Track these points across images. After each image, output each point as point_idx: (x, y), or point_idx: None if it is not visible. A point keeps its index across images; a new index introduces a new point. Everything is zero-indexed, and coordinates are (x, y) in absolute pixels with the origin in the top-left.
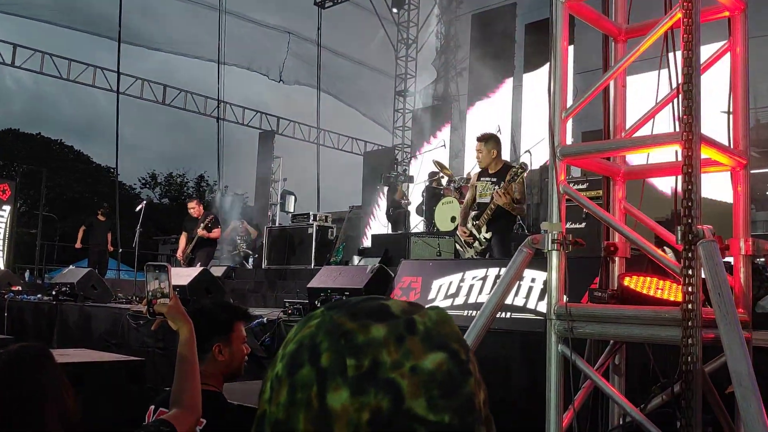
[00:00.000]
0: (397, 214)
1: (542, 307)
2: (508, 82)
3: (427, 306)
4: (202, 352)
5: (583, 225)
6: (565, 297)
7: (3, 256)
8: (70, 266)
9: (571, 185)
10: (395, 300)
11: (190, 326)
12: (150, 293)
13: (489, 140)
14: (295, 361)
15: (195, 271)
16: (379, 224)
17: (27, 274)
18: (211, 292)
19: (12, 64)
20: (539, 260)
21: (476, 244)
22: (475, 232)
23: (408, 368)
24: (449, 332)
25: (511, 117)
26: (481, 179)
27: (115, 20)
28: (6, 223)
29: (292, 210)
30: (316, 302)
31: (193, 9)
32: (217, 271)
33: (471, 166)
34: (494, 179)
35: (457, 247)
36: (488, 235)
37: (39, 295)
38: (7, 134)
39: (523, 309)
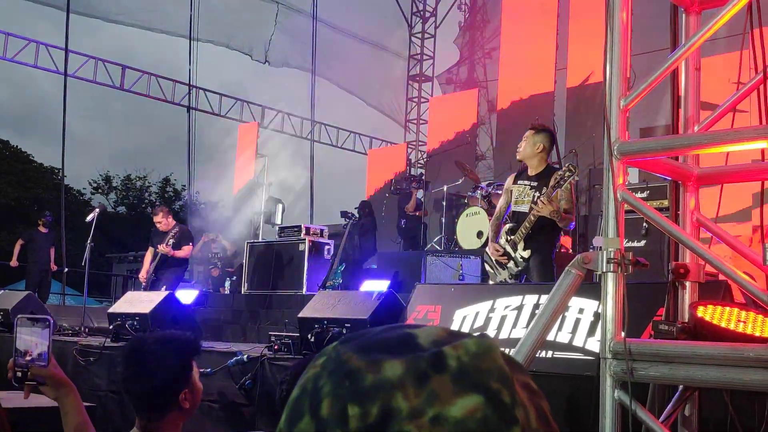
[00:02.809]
0: (410, 227)
1: (592, 344)
2: (549, 65)
3: (470, 335)
4: (163, 406)
5: (642, 243)
6: (623, 330)
7: None
8: (3, 289)
9: None
10: (429, 327)
11: (74, 393)
12: (21, 353)
13: (541, 132)
14: (295, 411)
15: (158, 296)
16: (388, 240)
17: None
18: (179, 322)
19: None
20: (589, 287)
21: (511, 264)
22: (509, 249)
23: (429, 417)
24: (490, 368)
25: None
26: (519, 182)
27: None
28: None
29: (279, 222)
30: (310, 336)
31: None
32: (186, 297)
33: (502, 168)
34: (534, 183)
35: (487, 268)
36: (526, 254)
37: None
38: None
39: (568, 347)
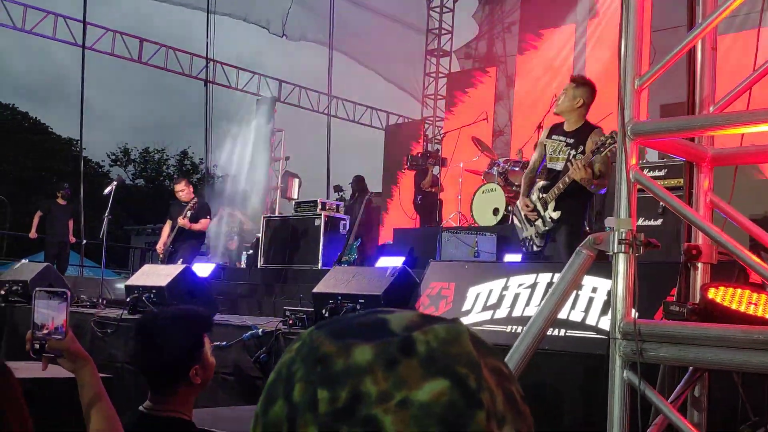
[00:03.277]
0: (427, 204)
1: (605, 323)
2: (570, 40)
3: (441, 320)
4: (174, 381)
5: (659, 222)
6: (634, 311)
7: None
8: (23, 260)
9: (646, 171)
10: (402, 312)
11: (91, 366)
12: (39, 326)
13: (582, 85)
14: (270, 395)
15: (175, 269)
16: (403, 216)
17: None
18: (195, 295)
19: None
20: (603, 265)
21: (539, 222)
22: (540, 207)
23: (397, 401)
24: (458, 353)
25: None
26: (554, 137)
27: None
28: None
29: (296, 196)
30: (324, 311)
31: None
32: (203, 270)
33: (519, 143)
34: (571, 140)
35: (515, 221)
36: (555, 215)
37: None
38: None
39: (581, 326)
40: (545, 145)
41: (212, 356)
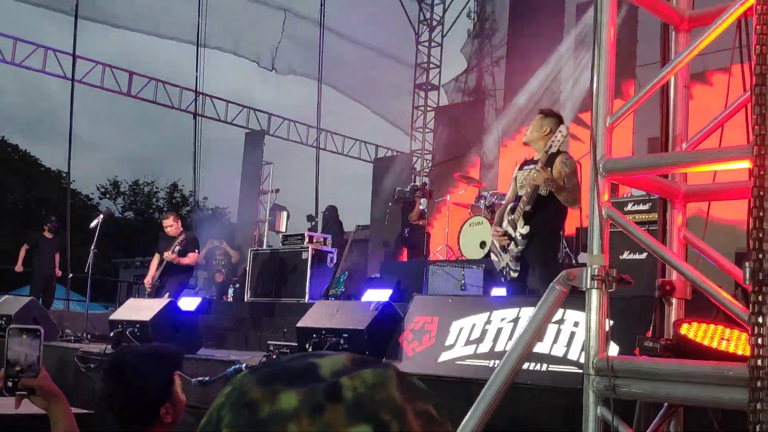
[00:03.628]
0: (414, 237)
1: None
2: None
3: (371, 365)
4: (146, 421)
5: (644, 256)
6: (614, 347)
7: None
8: (6, 294)
9: (630, 205)
10: (335, 357)
11: (63, 403)
12: (12, 363)
13: (549, 116)
14: None
15: (159, 303)
16: (390, 249)
17: None
18: (180, 330)
19: None
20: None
21: (512, 246)
22: (510, 230)
23: None
24: (383, 399)
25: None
26: (524, 168)
27: None
28: None
29: (283, 229)
30: (307, 345)
31: None
32: (189, 304)
33: (507, 178)
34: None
35: (492, 257)
36: (525, 230)
37: None
38: None
39: (563, 360)
40: (516, 178)
41: (182, 394)
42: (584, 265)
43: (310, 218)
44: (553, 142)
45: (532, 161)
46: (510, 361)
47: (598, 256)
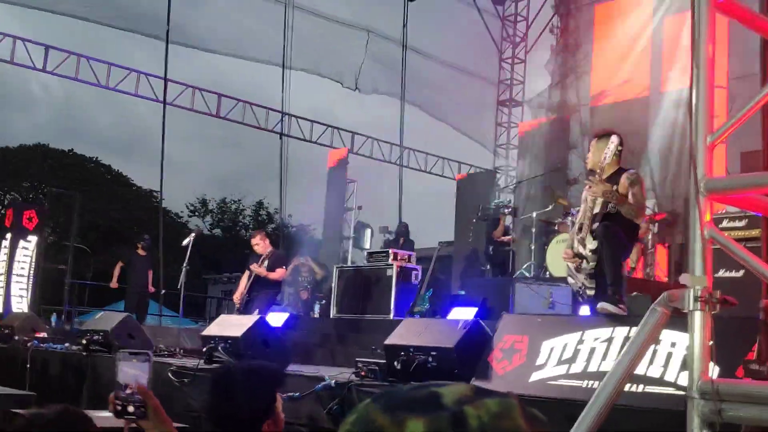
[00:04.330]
0: (498, 254)
1: (684, 379)
2: (644, 85)
3: (493, 394)
4: None
5: (741, 273)
6: (712, 369)
7: (27, 296)
8: (103, 310)
9: (725, 222)
10: (456, 386)
11: (170, 427)
12: (122, 386)
13: (603, 137)
14: None
15: (249, 319)
16: (477, 266)
17: (54, 318)
18: (269, 345)
19: (44, 69)
20: (682, 320)
21: (583, 264)
22: (580, 249)
23: None
24: (509, 428)
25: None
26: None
27: (160, 16)
28: (31, 257)
29: (368, 246)
30: (396, 363)
31: (252, 1)
32: (277, 320)
33: None
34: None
35: (569, 279)
36: (593, 245)
37: (67, 344)
38: (35, 150)
39: (659, 381)
40: (587, 199)
41: (282, 413)
42: (685, 286)
43: (383, 230)
44: (605, 155)
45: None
46: (611, 382)
47: (701, 277)
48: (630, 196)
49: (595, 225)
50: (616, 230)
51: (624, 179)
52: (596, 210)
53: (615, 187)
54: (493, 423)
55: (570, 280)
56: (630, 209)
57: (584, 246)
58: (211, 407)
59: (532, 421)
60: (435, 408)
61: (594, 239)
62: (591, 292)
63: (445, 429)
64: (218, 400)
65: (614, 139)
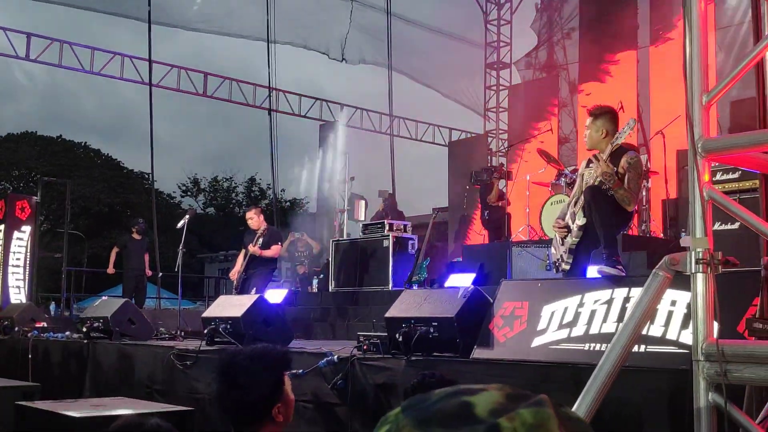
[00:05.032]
0: (494, 218)
1: (686, 337)
2: (631, 40)
3: (528, 401)
4: (258, 420)
5: (736, 226)
6: (716, 331)
7: (25, 287)
8: (102, 296)
9: (719, 175)
10: (488, 394)
11: None
12: None
13: (600, 116)
14: None
15: (249, 299)
16: (472, 231)
17: (52, 306)
18: (270, 323)
19: (27, 57)
20: (681, 278)
21: (568, 237)
22: (570, 222)
23: None
24: None
25: (637, 88)
26: (590, 166)
27: None
28: (26, 247)
29: (362, 218)
30: (397, 335)
31: None
32: (276, 296)
33: (586, 152)
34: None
35: (552, 250)
36: (582, 222)
37: (67, 332)
38: (23, 138)
39: (661, 341)
40: (583, 176)
41: (291, 394)
42: (686, 248)
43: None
44: (619, 135)
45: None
46: (617, 347)
47: (702, 239)
48: (626, 180)
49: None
50: (604, 194)
51: (624, 161)
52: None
53: (615, 169)
54: None
55: (552, 249)
56: (624, 195)
57: (573, 220)
58: (220, 394)
59: (566, 423)
60: (468, 421)
61: (584, 216)
62: (566, 267)
63: None
64: (226, 387)
65: (631, 122)
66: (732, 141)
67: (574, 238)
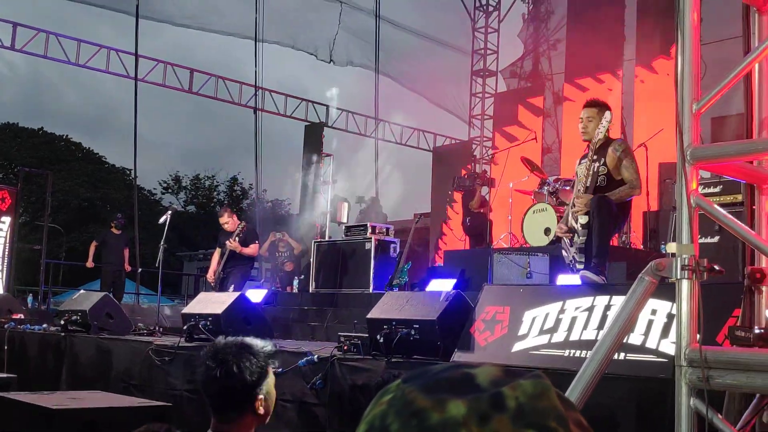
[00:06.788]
0: (475, 225)
1: (665, 346)
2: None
3: (525, 375)
4: (241, 408)
5: (716, 239)
6: (699, 336)
7: (2, 278)
8: (80, 290)
9: (700, 188)
10: (487, 367)
11: None
12: None
13: (603, 107)
14: None
15: (229, 296)
16: (453, 237)
17: (30, 299)
18: (250, 322)
19: (12, 47)
20: (662, 288)
21: (575, 238)
22: (573, 223)
23: None
24: (547, 407)
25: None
26: (583, 161)
27: None
28: (5, 237)
29: (345, 220)
30: (378, 337)
31: None
32: (256, 296)
33: (569, 162)
34: (595, 156)
35: (563, 253)
36: (584, 220)
37: (45, 325)
38: (4, 130)
39: (641, 349)
40: (577, 173)
41: (274, 389)
42: (673, 254)
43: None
44: (598, 131)
45: (590, 153)
46: (600, 352)
47: (688, 245)
48: (623, 170)
49: (578, 190)
50: (609, 203)
51: (611, 150)
52: (588, 184)
53: (603, 161)
54: (531, 404)
55: (563, 253)
56: (621, 194)
57: (576, 221)
58: (207, 378)
59: (563, 401)
60: (472, 389)
61: (585, 215)
62: (581, 266)
63: (485, 410)
64: (213, 372)
65: (607, 115)
66: (721, 150)
67: (581, 237)
